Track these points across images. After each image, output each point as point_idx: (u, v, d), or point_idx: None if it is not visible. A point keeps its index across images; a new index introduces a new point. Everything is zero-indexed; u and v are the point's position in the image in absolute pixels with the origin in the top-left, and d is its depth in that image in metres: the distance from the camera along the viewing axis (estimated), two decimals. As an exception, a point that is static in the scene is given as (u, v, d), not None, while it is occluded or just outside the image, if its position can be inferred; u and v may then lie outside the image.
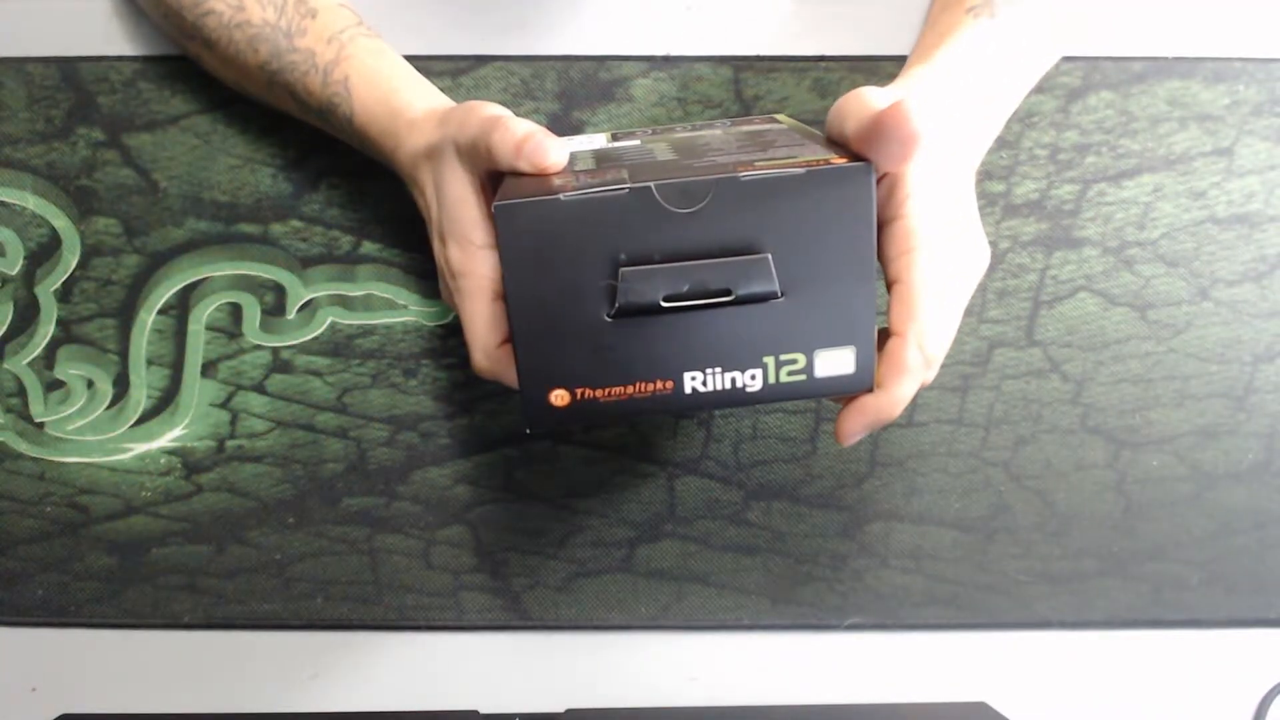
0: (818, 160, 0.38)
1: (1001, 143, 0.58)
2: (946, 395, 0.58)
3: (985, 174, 0.58)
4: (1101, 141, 0.58)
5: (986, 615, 0.58)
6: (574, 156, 0.45)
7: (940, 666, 0.58)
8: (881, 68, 0.58)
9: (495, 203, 0.38)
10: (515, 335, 0.39)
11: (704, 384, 0.40)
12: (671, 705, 0.57)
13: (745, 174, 0.38)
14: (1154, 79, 0.58)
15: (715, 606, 0.58)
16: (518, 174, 0.42)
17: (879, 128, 0.38)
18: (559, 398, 0.40)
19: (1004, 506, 0.58)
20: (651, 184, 0.38)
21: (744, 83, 0.58)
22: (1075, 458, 0.58)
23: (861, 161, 0.38)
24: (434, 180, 0.47)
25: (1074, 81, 0.58)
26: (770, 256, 0.38)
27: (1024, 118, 0.58)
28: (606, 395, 0.40)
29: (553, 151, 0.41)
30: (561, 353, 0.39)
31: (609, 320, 0.39)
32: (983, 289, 0.58)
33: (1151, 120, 0.58)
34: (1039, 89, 0.58)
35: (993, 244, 0.58)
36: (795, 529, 0.58)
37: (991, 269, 0.57)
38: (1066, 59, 0.58)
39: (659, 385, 0.40)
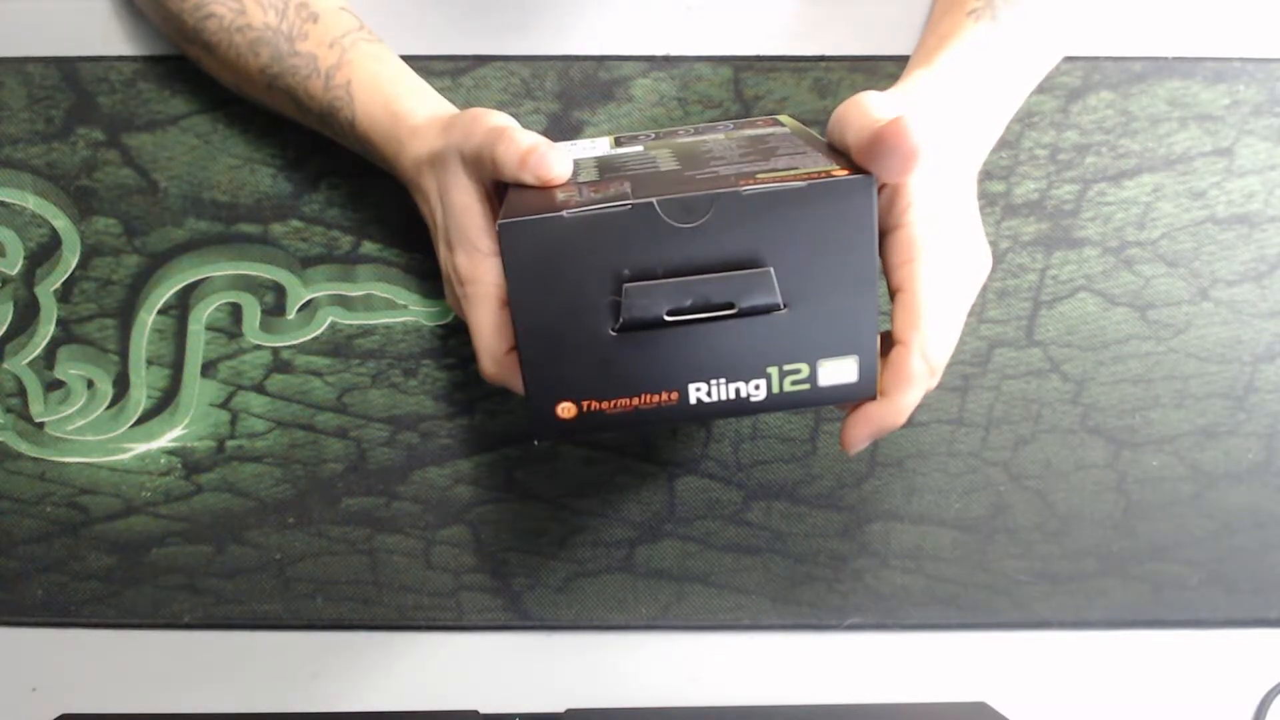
0: (819, 172, 0.38)
1: (1001, 143, 0.58)
2: (946, 395, 0.58)
3: (985, 174, 0.58)
4: (1101, 141, 0.58)
5: (986, 615, 0.58)
6: (577, 165, 0.45)
7: (940, 666, 0.58)
8: (882, 68, 0.58)
9: (499, 220, 0.38)
10: (521, 350, 0.40)
11: (709, 395, 0.40)
12: (671, 705, 0.57)
13: (747, 188, 0.38)
14: (1154, 79, 0.58)
15: (715, 606, 0.58)
16: (522, 185, 0.42)
17: (879, 142, 0.38)
18: (565, 410, 0.40)
19: (1004, 506, 0.58)
20: (654, 200, 0.38)
21: (744, 83, 0.58)
22: (1075, 458, 0.58)
23: (863, 174, 0.38)
24: (438, 188, 0.47)
25: (1074, 81, 0.58)
26: (772, 269, 0.39)
27: (1024, 118, 0.58)
28: (612, 407, 0.40)
29: (556, 164, 0.42)
30: (567, 366, 0.40)
31: (613, 334, 0.39)
32: (983, 289, 0.58)
33: (1151, 120, 0.58)
34: (1039, 89, 0.58)
35: (993, 244, 0.58)
36: (795, 529, 0.58)
37: (991, 269, 0.57)
38: (1066, 59, 0.58)
39: (664, 397, 0.40)
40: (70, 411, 0.59)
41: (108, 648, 0.58)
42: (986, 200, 0.58)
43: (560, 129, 0.58)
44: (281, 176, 0.58)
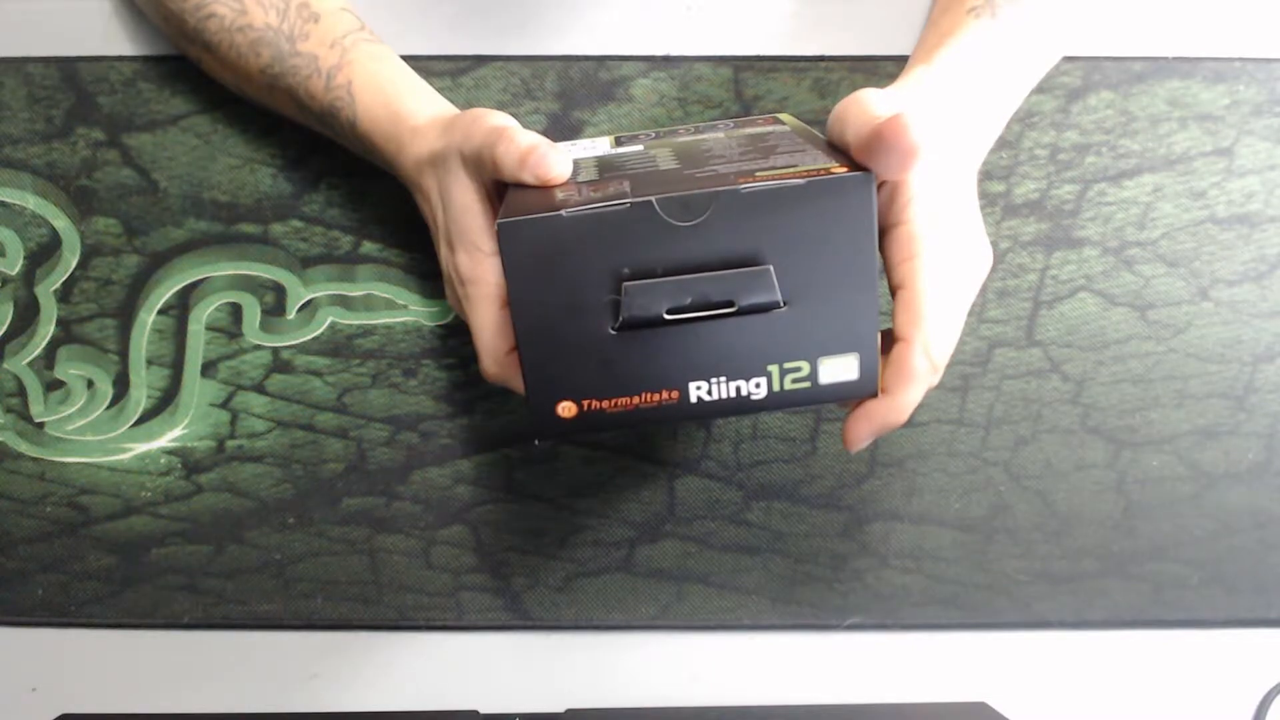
0: (818, 170, 0.38)
1: (1001, 143, 0.58)
2: (946, 395, 0.58)
3: (985, 174, 0.58)
4: (1101, 141, 0.58)
5: (986, 615, 0.58)
6: (577, 165, 0.45)
7: (940, 666, 0.58)
8: (881, 68, 0.58)
9: (498, 220, 0.38)
10: (521, 349, 0.40)
11: (709, 393, 0.40)
12: (671, 705, 0.57)
13: (746, 186, 0.38)
14: (1154, 79, 0.58)
15: (715, 606, 0.58)
16: (522, 185, 0.42)
17: (879, 139, 0.38)
18: (566, 409, 0.40)
19: (1004, 506, 0.58)
20: (653, 198, 0.38)
21: (744, 83, 0.58)
22: (1075, 458, 0.58)
23: (862, 171, 0.38)
24: (439, 188, 0.47)
25: (1074, 81, 0.58)
26: (772, 267, 0.39)
27: (1024, 118, 0.58)
28: (613, 406, 0.40)
29: (556, 164, 0.42)
30: (567, 366, 0.40)
31: (613, 333, 0.39)
32: (983, 289, 0.58)
33: (1151, 120, 0.58)
34: (1039, 89, 0.58)
35: (993, 244, 0.58)
36: (795, 529, 0.58)
37: (991, 269, 0.57)
38: (1066, 59, 0.58)
39: (665, 395, 0.40)
40: (70, 411, 0.59)
41: (108, 648, 0.58)
42: (986, 200, 0.58)
43: (560, 129, 0.58)
44: (281, 176, 0.58)
